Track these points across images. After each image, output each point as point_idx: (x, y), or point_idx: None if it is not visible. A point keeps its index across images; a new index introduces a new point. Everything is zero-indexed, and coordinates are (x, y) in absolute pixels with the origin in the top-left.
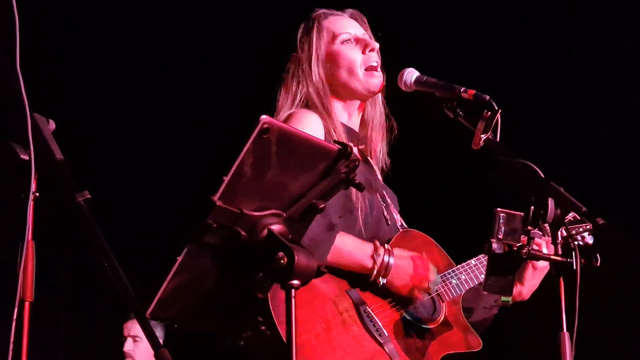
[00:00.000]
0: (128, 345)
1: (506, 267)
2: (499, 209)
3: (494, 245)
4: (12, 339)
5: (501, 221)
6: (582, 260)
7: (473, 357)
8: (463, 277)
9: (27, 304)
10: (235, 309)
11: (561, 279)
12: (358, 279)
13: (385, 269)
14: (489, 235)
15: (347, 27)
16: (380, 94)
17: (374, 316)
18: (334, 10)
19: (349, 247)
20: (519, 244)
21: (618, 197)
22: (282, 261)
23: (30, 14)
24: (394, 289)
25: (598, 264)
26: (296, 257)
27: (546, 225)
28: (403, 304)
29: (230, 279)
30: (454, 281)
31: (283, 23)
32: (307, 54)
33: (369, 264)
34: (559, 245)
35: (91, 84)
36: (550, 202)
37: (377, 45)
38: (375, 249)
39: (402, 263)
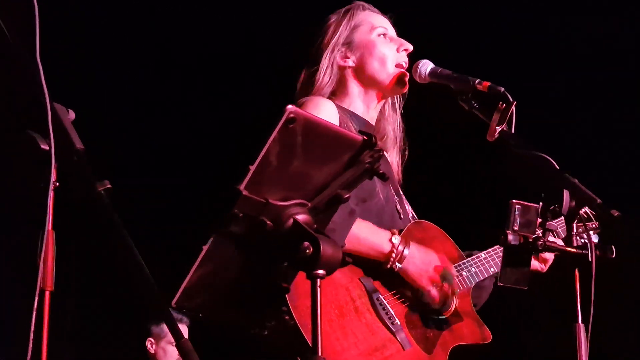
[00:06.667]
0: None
1: (521, 259)
2: (514, 201)
3: (510, 237)
4: (32, 329)
5: (517, 213)
6: (597, 252)
7: (486, 349)
8: (474, 269)
9: (47, 294)
10: (260, 299)
11: (576, 270)
12: (372, 267)
13: (401, 255)
14: (505, 227)
15: (385, 23)
16: (399, 100)
17: (387, 304)
18: (372, 6)
19: (366, 232)
20: (534, 236)
21: (633, 188)
22: (307, 251)
23: (49, 3)
24: (407, 278)
25: (613, 256)
26: (322, 247)
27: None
28: (414, 296)
29: (256, 269)
30: (464, 273)
31: (306, 13)
32: (339, 39)
33: (387, 247)
34: (574, 237)
35: (111, 73)
36: (566, 194)
37: (410, 47)
38: (393, 234)
39: (418, 253)
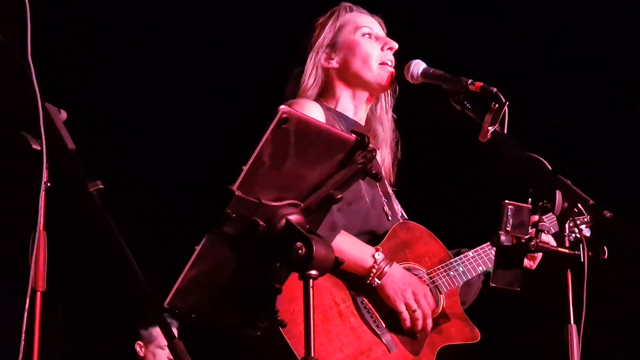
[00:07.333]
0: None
1: (514, 260)
2: (507, 201)
3: (502, 238)
4: (24, 329)
5: (509, 213)
6: (590, 253)
7: (477, 350)
8: (461, 269)
9: (38, 294)
10: (253, 300)
11: (569, 271)
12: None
13: (382, 271)
14: (497, 228)
15: (370, 23)
16: (389, 99)
17: (371, 307)
18: (360, 7)
19: (349, 246)
20: (527, 236)
21: (625, 189)
22: (300, 251)
23: (41, 3)
24: (383, 295)
25: (605, 257)
26: (314, 248)
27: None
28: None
29: (248, 269)
30: (452, 273)
31: (300, 15)
32: (323, 41)
33: (369, 262)
34: (567, 238)
35: (103, 73)
36: (558, 195)
37: (396, 45)
38: (376, 250)
39: (399, 273)
